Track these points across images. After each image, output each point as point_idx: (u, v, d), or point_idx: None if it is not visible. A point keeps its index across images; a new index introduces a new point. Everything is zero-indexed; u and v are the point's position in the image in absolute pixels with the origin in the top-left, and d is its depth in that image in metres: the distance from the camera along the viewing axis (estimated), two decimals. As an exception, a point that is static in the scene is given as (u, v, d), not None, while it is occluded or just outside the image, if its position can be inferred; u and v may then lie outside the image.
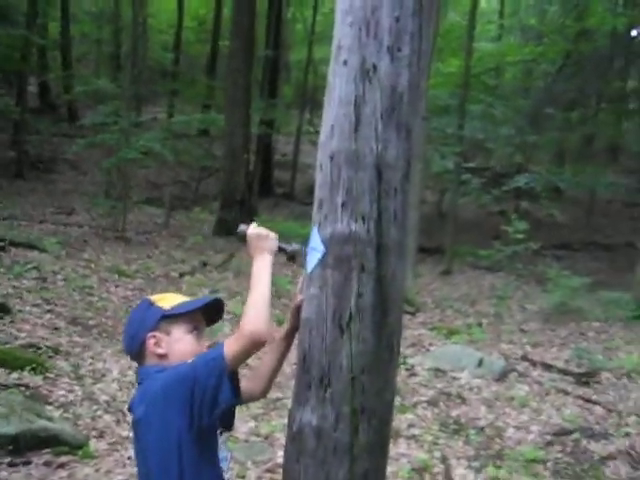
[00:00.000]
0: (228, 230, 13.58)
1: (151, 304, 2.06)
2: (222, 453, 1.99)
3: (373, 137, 1.85)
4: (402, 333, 2.05)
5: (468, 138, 13.10)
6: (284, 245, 2.07)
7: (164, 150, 12.96)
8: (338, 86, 1.92)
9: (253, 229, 2.07)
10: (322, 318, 1.88)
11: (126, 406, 5.24)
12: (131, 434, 4.78)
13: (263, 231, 2.06)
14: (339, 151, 1.88)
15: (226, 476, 2.00)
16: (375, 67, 1.88)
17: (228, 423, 2.03)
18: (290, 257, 2.08)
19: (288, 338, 2.11)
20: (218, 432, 1.98)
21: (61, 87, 22.11)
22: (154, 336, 1.99)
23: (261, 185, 18.30)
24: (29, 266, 8.75)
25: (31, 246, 9.93)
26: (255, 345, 1.84)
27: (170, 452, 1.86)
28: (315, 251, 1.91)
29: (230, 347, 1.85)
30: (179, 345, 2.00)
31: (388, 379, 1.93)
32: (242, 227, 2.11)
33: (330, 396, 1.86)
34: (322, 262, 1.89)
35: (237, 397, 1.91)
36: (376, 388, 1.88)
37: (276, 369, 2.13)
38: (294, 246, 2.09)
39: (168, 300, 2.07)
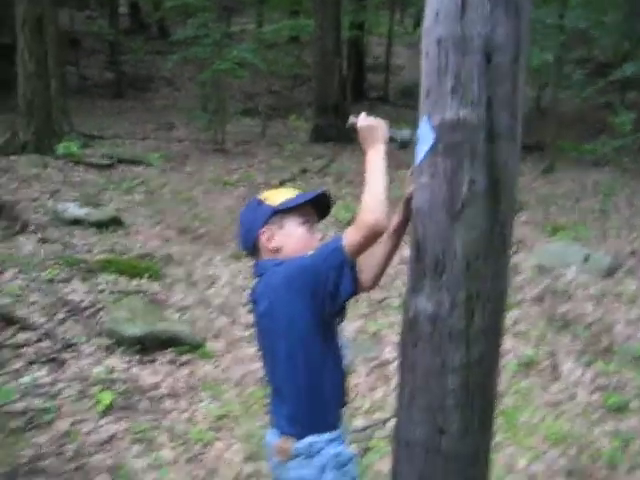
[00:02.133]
0: (324, 136, 13.56)
1: (260, 202, 2.11)
2: (340, 341, 2.08)
3: (480, 19, 1.78)
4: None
5: (569, 28, 12.31)
6: (395, 133, 2.02)
7: (256, 60, 12.92)
8: (442, -31, 1.85)
9: (363, 120, 2.00)
10: (435, 206, 1.87)
11: (240, 309, 5.53)
12: (245, 334, 5.05)
13: (373, 121, 2.00)
14: (446, 36, 1.82)
15: (345, 362, 2.10)
16: (479, -56, 1.78)
17: (342, 313, 2.10)
18: (402, 145, 2.03)
19: (399, 230, 2.12)
20: (337, 321, 2.06)
21: (150, 5, 22.23)
22: (266, 231, 2.06)
23: (354, 89, 17.99)
24: (137, 181, 9.13)
25: (137, 162, 10.34)
26: (375, 235, 1.86)
27: (297, 341, 1.95)
28: (425, 140, 1.89)
29: (350, 238, 1.88)
30: (292, 238, 2.07)
31: (502, 266, 1.92)
32: (352, 119, 2.03)
33: (445, 282, 1.88)
34: (433, 150, 1.87)
35: (357, 288, 1.97)
36: (490, 274, 1.88)
37: (387, 262, 2.15)
38: (404, 133, 2.03)
39: (277, 196, 2.13)
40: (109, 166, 9.82)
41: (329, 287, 1.89)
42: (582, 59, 16.28)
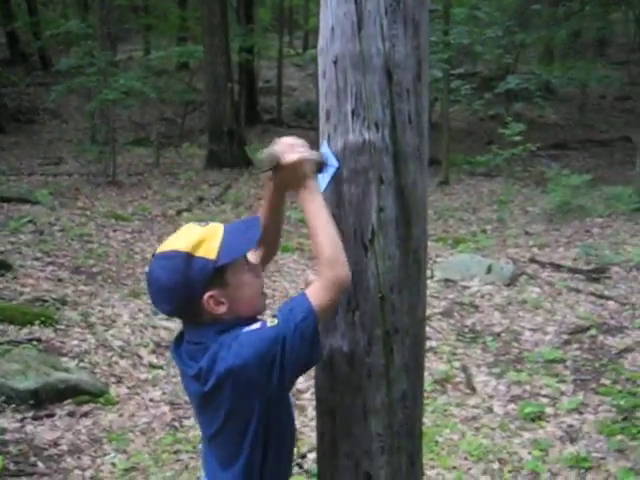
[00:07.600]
0: (220, 162, 13.39)
1: (189, 256, 1.64)
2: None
3: (379, 35, 1.67)
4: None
5: (454, 44, 12.68)
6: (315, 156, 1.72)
7: (145, 88, 12.60)
8: (335, -16, 1.73)
9: (288, 155, 1.67)
10: (343, 238, 1.73)
11: (142, 349, 5.23)
12: (149, 376, 4.77)
13: (299, 153, 1.68)
14: (343, 54, 1.70)
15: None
16: (372, -43, 1.68)
17: None
18: (319, 168, 1.73)
19: (276, 196, 1.83)
20: None
21: (30, 34, 21.39)
22: (212, 296, 1.65)
23: (248, 113, 17.95)
24: (24, 220, 8.60)
25: (23, 200, 9.77)
26: (344, 290, 1.66)
27: (252, 414, 1.66)
28: (327, 167, 1.74)
29: (320, 298, 1.61)
30: (240, 291, 1.70)
31: (419, 295, 1.81)
32: (268, 154, 1.68)
33: (360, 319, 1.75)
34: (336, 178, 1.74)
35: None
36: (407, 306, 1.76)
37: (280, 229, 1.94)
38: (320, 152, 1.76)
39: (205, 243, 1.66)
40: (-8, 206, 9.25)
41: (301, 359, 1.61)
42: (468, 74, 16.83)
